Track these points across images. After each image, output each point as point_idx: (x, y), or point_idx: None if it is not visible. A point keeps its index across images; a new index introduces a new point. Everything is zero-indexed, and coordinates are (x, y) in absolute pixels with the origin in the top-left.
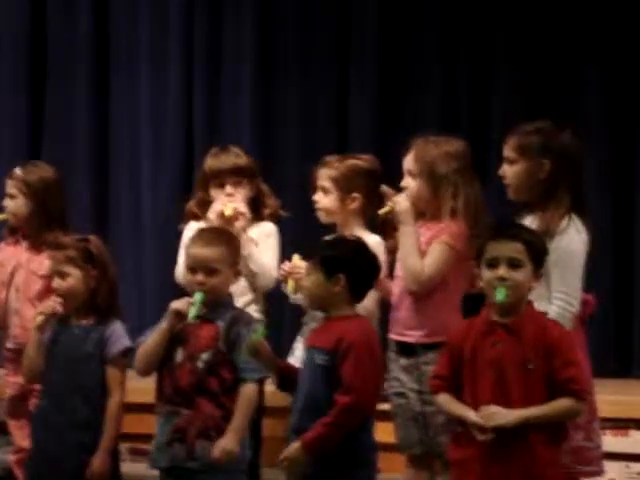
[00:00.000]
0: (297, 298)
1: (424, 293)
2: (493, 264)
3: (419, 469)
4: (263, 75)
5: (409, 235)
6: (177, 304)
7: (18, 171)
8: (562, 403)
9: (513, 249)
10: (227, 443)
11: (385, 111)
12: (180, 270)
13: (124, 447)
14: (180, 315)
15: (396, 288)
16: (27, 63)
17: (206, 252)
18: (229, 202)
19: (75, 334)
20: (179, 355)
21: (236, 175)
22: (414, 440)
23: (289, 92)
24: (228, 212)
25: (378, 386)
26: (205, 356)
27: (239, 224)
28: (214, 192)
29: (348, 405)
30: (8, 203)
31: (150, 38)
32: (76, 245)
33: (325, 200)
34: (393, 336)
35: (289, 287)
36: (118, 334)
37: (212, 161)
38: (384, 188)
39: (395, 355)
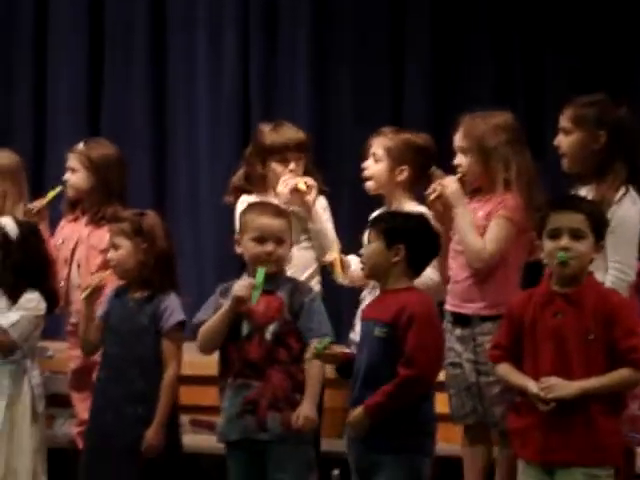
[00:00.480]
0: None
1: (487, 269)
2: (555, 235)
3: (475, 444)
4: (318, 49)
5: (463, 216)
6: (239, 291)
7: (81, 146)
8: (622, 373)
9: (575, 220)
10: (307, 411)
11: (440, 88)
12: None
13: (185, 419)
14: (243, 301)
15: (454, 262)
16: (85, 33)
17: (276, 222)
18: (294, 177)
19: (129, 307)
20: (245, 328)
21: (298, 151)
22: (468, 410)
23: (344, 63)
24: (302, 186)
25: (440, 358)
26: (272, 327)
27: (311, 197)
28: (276, 167)
29: (410, 377)
30: (69, 176)
31: (208, 3)
32: (131, 218)
33: (374, 167)
34: (449, 307)
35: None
36: (172, 307)
37: (274, 136)
38: (434, 169)
39: (451, 325)
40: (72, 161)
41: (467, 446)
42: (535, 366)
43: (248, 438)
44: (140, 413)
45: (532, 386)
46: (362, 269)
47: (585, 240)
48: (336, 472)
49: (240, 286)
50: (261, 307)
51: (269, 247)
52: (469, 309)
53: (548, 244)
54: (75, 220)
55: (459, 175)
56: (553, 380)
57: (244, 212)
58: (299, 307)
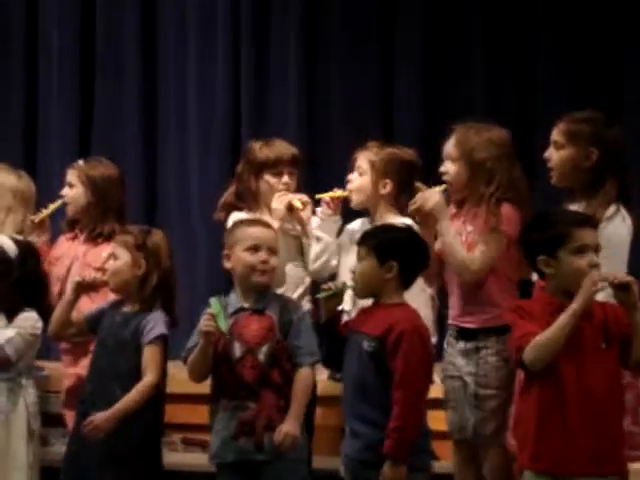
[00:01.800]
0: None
1: (478, 281)
2: (581, 251)
3: (466, 460)
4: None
5: (447, 228)
6: (204, 326)
7: (81, 163)
8: None
9: (596, 237)
10: (289, 428)
11: (430, 97)
12: None
13: (177, 437)
14: (212, 334)
15: (450, 277)
16: (76, 32)
17: (269, 232)
18: (287, 194)
19: (116, 321)
20: (237, 350)
21: (292, 165)
22: (466, 423)
23: (333, 75)
24: (296, 203)
25: (430, 373)
26: (265, 348)
27: (305, 214)
28: (270, 179)
29: (405, 398)
30: (67, 191)
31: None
32: (136, 233)
33: (358, 180)
34: (452, 321)
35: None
36: (155, 321)
37: (267, 150)
38: (419, 184)
39: (454, 340)
40: (71, 176)
41: (459, 462)
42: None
43: (244, 459)
44: (118, 427)
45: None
46: (353, 288)
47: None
48: None
49: (203, 321)
50: (251, 328)
51: (263, 256)
52: (473, 323)
53: (577, 260)
54: (73, 239)
55: (442, 187)
56: None
57: (232, 228)
58: (288, 325)
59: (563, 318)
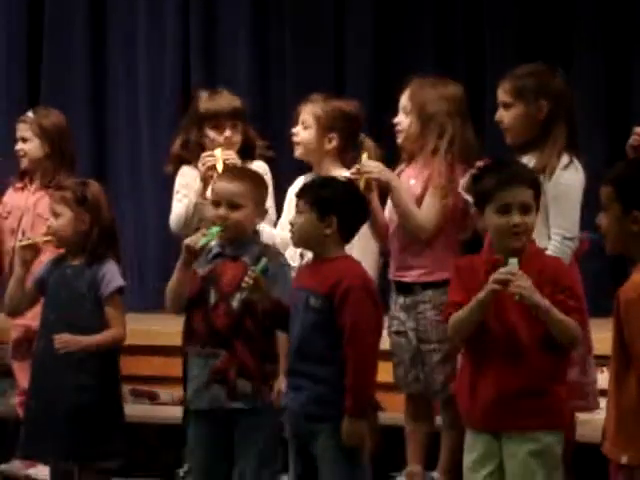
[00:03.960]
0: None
1: (431, 239)
2: (506, 210)
3: (417, 415)
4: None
5: (399, 190)
6: (188, 239)
7: (31, 114)
8: (571, 320)
9: (525, 195)
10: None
11: (381, 58)
12: (174, 217)
13: (125, 389)
14: (192, 250)
15: (392, 232)
16: (23, 15)
17: (231, 186)
18: (222, 150)
19: (67, 274)
20: (212, 296)
21: (233, 117)
22: (411, 379)
23: (285, 26)
24: (219, 167)
25: (379, 327)
26: (239, 295)
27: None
28: (210, 133)
29: (358, 353)
30: (22, 146)
31: None
32: (74, 187)
33: (303, 134)
34: (392, 276)
35: (361, 185)
36: (112, 273)
37: (209, 103)
38: (363, 137)
39: (395, 294)
40: (23, 131)
41: (409, 417)
42: (485, 329)
43: (218, 407)
44: (80, 380)
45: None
46: (291, 238)
47: (532, 213)
48: None
49: (193, 236)
50: (226, 274)
51: (221, 211)
52: (410, 277)
53: (497, 219)
54: (22, 189)
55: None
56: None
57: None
58: (264, 273)
59: (472, 303)
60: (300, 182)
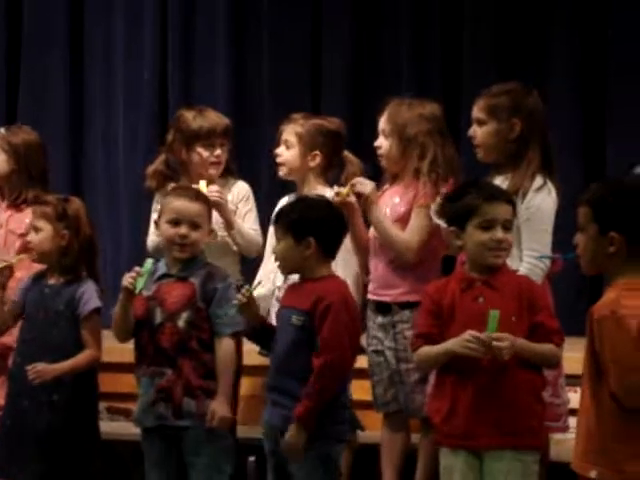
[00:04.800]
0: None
1: (417, 259)
2: (489, 226)
3: (394, 430)
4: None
5: (379, 211)
6: (125, 280)
7: (2, 131)
8: (549, 346)
9: (507, 211)
10: (220, 409)
11: (359, 74)
12: (151, 243)
13: (102, 406)
14: (129, 290)
15: (372, 250)
16: (2, 34)
17: (192, 206)
18: (219, 163)
19: (45, 293)
20: (158, 316)
21: (224, 136)
22: (389, 398)
23: (263, 29)
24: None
25: (354, 344)
26: (185, 315)
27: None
28: (202, 152)
29: (325, 365)
30: None
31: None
32: (55, 203)
33: (286, 154)
34: (370, 295)
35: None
36: (90, 294)
37: (201, 121)
38: (346, 153)
39: (373, 314)
40: None
41: (386, 433)
42: None
43: (163, 425)
44: (55, 400)
45: (465, 335)
46: (278, 266)
47: (511, 230)
48: (252, 459)
49: (126, 276)
50: (171, 294)
51: (182, 230)
52: (388, 297)
53: (480, 235)
54: None
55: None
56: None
57: (165, 195)
58: (212, 293)
59: (438, 350)
60: (284, 202)
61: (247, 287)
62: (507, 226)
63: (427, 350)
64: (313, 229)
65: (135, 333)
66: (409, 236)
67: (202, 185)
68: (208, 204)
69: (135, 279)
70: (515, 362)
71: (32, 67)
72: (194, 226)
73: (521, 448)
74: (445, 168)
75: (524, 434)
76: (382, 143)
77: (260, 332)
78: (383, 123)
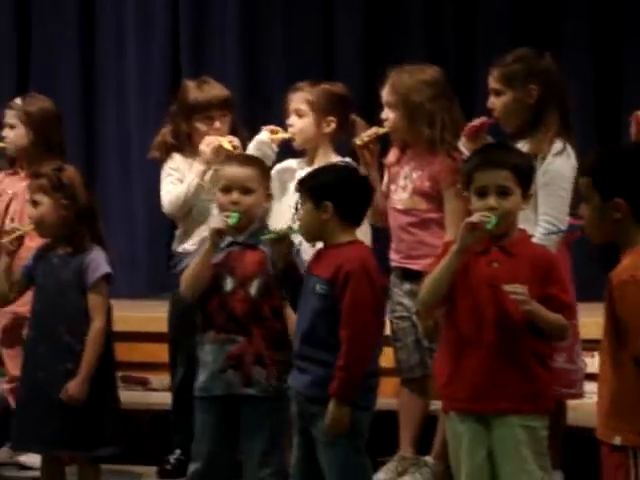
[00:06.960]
0: None
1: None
2: (482, 193)
3: (416, 396)
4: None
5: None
6: (216, 223)
7: (18, 101)
8: (560, 317)
9: (501, 177)
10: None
11: (370, 45)
12: (173, 198)
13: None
14: (220, 232)
15: (394, 221)
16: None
17: (242, 171)
18: (218, 136)
19: (54, 263)
20: (229, 283)
21: (222, 108)
22: (413, 363)
23: (275, 18)
24: (227, 146)
25: (379, 312)
26: (256, 283)
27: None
28: (200, 125)
29: (350, 337)
30: (8, 133)
31: None
32: (49, 174)
33: (300, 123)
34: (395, 263)
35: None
36: (97, 261)
37: (198, 94)
38: (354, 117)
39: (399, 280)
40: (9, 117)
41: (406, 398)
42: (471, 308)
43: (231, 393)
44: (70, 369)
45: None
46: (302, 234)
47: (512, 196)
48: None
49: (216, 221)
50: (244, 262)
51: (234, 196)
52: (418, 265)
53: (476, 202)
54: (14, 174)
55: (384, 130)
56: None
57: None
58: None
59: (446, 257)
60: (287, 164)
61: (289, 225)
62: (503, 192)
63: (429, 275)
64: (331, 193)
65: (200, 299)
66: (449, 222)
67: (225, 143)
68: (262, 168)
69: (229, 217)
70: (523, 326)
71: (44, 41)
72: (246, 191)
73: (526, 412)
74: (456, 132)
75: (533, 399)
76: (389, 115)
77: (284, 277)
78: (387, 95)
